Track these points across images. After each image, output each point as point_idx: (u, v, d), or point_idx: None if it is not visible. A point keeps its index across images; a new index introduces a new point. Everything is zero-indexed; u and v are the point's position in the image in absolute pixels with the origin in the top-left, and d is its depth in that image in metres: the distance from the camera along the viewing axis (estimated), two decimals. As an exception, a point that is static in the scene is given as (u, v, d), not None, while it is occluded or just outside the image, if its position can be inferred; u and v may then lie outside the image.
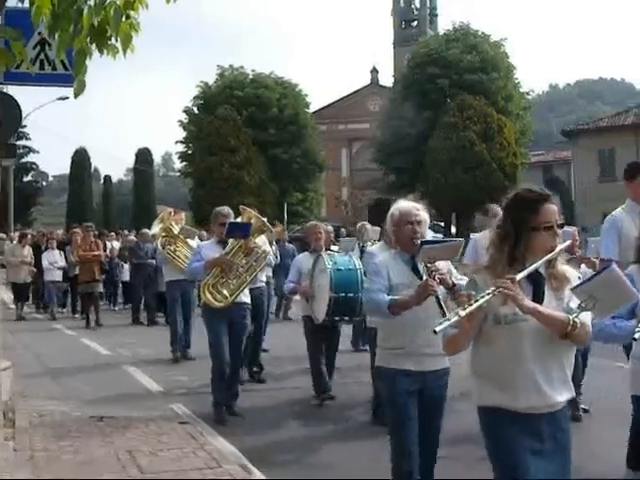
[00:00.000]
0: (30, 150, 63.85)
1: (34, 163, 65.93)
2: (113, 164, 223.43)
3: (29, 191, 62.40)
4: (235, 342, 8.85)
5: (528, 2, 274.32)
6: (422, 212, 5.66)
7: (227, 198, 44.91)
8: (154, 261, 18.08)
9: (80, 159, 71.78)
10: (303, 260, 10.14)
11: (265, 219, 9.47)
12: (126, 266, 21.69)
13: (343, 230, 36.42)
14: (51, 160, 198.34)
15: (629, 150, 48.88)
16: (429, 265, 5.09)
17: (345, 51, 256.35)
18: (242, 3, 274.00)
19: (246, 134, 48.14)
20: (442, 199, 46.16)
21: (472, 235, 9.59)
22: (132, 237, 23.32)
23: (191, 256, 9.66)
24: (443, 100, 47.69)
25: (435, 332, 3.73)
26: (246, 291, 9.03)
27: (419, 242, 5.28)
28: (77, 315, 20.45)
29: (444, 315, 4.47)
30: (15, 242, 22.22)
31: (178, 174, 65.31)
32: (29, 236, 22.17)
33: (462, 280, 5.10)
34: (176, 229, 13.52)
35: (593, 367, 8.64)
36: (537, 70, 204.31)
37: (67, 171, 75.24)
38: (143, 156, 74.57)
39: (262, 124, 49.58)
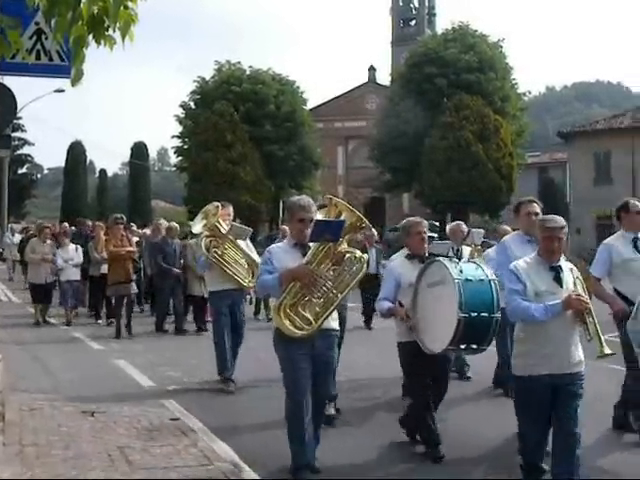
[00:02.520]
0: (25, 142, 63.84)
1: (29, 155, 65.99)
2: (109, 158, 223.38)
3: (23, 184, 62.40)
4: (321, 380, 6.67)
5: (527, 3, 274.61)
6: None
7: (223, 194, 45.19)
8: (182, 260, 16.76)
9: (75, 152, 71.74)
10: (402, 269, 7.57)
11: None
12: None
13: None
14: (46, 153, 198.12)
15: (625, 153, 48.93)
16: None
17: (343, 49, 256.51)
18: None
19: (242, 130, 48.10)
20: (438, 198, 46.17)
21: (503, 239, 8.72)
22: (147, 231, 20.64)
23: (260, 264, 6.90)
24: (440, 100, 47.63)
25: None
26: (334, 313, 6.68)
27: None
28: (100, 321, 17.63)
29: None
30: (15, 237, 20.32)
31: (174, 169, 65.29)
32: (47, 229, 18.97)
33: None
34: (224, 227, 10.69)
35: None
36: (534, 71, 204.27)
37: (62, 164, 75.19)
38: (139, 150, 74.57)
39: (259, 120, 49.51)
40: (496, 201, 46.17)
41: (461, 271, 6.80)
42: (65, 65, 7.14)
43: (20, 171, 64.39)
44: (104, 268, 16.86)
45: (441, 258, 7.23)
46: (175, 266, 16.56)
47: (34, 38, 7.18)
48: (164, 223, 17.88)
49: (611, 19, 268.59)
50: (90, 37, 4.23)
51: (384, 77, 75.07)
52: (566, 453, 5.89)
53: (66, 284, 17.54)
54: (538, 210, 7.79)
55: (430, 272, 7.08)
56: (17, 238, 30.46)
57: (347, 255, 6.49)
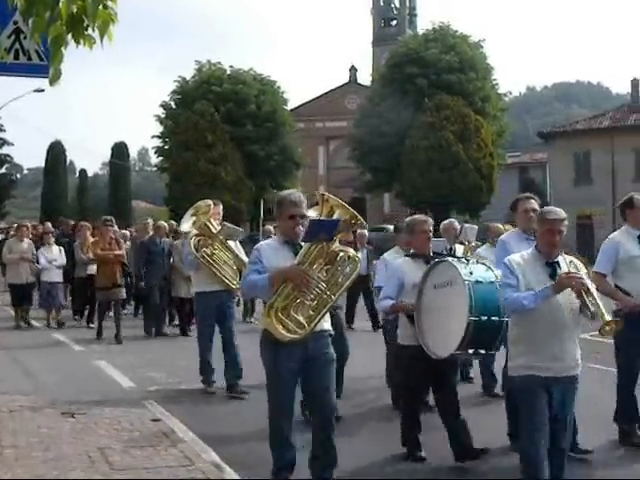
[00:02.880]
0: (4, 142, 63.37)
1: (8, 155, 65.43)
2: (89, 158, 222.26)
3: (3, 184, 61.97)
4: (323, 384, 6.21)
5: (507, 4, 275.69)
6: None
7: (203, 194, 45.05)
8: (171, 260, 16.19)
9: (55, 152, 71.40)
10: (406, 267, 7.29)
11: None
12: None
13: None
14: (26, 153, 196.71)
15: (604, 153, 49.24)
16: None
17: (324, 49, 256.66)
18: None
19: (223, 130, 48.05)
20: (418, 198, 46.26)
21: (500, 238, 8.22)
22: (127, 232, 20.43)
23: (248, 263, 6.46)
24: (421, 100, 47.74)
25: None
26: (327, 315, 6.30)
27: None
28: (92, 324, 16.59)
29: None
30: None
31: (154, 169, 65.04)
32: (24, 228, 18.27)
33: None
34: (215, 227, 10.29)
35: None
36: (515, 72, 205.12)
37: (42, 164, 74.81)
38: (119, 150, 74.28)
39: (239, 120, 49.45)
40: (476, 201, 46.37)
41: (471, 272, 6.55)
42: (44, 65, 7.09)
43: (-1, 171, 63.96)
44: (91, 269, 16.44)
45: (449, 258, 7.00)
46: (164, 266, 16.08)
47: (12, 37, 7.14)
48: (152, 222, 17.46)
49: (592, 20, 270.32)
50: (69, 37, 4.20)
51: (365, 77, 75.27)
52: (554, 469, 5.55)
53: (48, 285, 16.97)
54: (536, 206, 7.51)
55: (437, 272, 6.79)
56: None
57: (340, 254, 6.14)
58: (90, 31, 4.18)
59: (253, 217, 47.40)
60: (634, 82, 53.71)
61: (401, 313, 7.25)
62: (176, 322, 16.79)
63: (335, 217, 6.26)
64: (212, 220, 10.33)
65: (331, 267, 6.11)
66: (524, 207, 7.61)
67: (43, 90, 36.54)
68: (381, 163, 49.53)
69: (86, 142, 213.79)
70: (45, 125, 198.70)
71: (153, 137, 53.75)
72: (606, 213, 40.25)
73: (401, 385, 7.36)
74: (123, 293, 15.64)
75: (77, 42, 4.23)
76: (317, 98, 74.70)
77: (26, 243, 17.40)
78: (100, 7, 3.95)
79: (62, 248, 17.46)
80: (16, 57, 7.18)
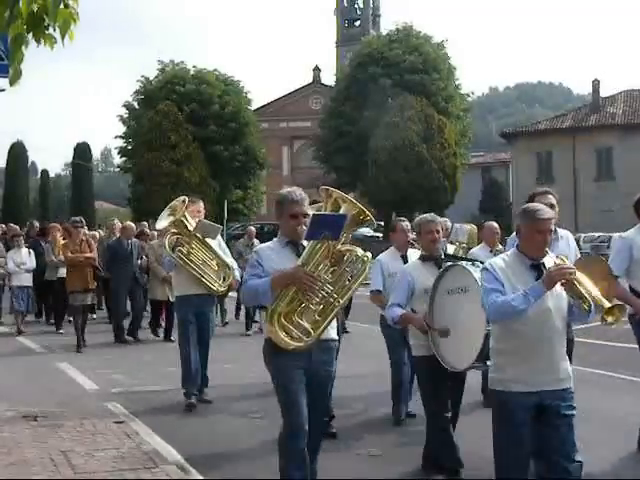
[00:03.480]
0: (-35, 143, 62.67)
1: (-32, 156, 64.72)
2: (51, 159, 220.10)
3: (-37, 184, 61.32)
4: (318, 397, 5.71)
5: (471, 5, 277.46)
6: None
7: (167, 194, 44.87)
8: (140, 261, 15.69)
9: (17, 153, 70.71)
10: (416, 272, 6.75)
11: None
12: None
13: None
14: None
15: (566, 153, 49.84)
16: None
17: (288, 49, 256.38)
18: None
19: (187, 130, 47.86)
20: (382, 198, 46.37)
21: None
22: (99, 231, 19.94)
23: (248, 267, 5.77)
24: (385, 100, 47.88)
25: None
26: (333, 321, 5.77)
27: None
28: (62, 331, 16.10)
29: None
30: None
31: (117, 170, 64.70)
32: None
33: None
34: (191, 224, 9.58)
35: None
36: (478, 72, 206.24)
37: (3, 165, 74.05)
38: (82, 151, 73.74)
39: (203, 120, 49.30)
40: (440, 200, 46.57)
41: None
42: (4, 64, 7.02)
43: (-41, 172, 63.30)
44: (62, 272, 15.63)
45: (463, 262, 6.47)
46: (131, 267, 15.46)
47: (-28, 37, 7.06)
48: (118, 224, 17.06)
49: (553, 21, 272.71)
50: (29, 36, 4.17)
51: (329, 77, 75.59)
52: None
53: (17, 290, 16.31)
54: (554, 202, 6.90)
55: (450, 277, 6.28)
56: None
57: (347, 254, 5.57)
58: (51, 30, 4.14)
59: (217, 217, 47.37)
60: (595, 83, 54.37)
61: (416, 325, 6.54)
62: (146, 326, 16.18)
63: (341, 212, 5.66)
64: (188, 217, 9.57)
65: (338, 268, 5.55)
66: (543, 203, 6.58)
67: (3, 90, 36.15)
68: (345, 163, 49.67)
69: (48, 143, 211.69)
70: (6, 125, 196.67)
71: (116, 137, 53.53)
72: (568, 212, 40.69)
73: (428, 396, 6.65)
74: (92, 298, 14.84)
75: (37, 41, 4.20)
76: (281, 98, 74.78)
77: None
78: (61, 6, 3.91)
79: (31, 251, 16.84)
80: (-25, 56, 7.11)
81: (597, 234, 39.11)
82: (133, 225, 16.53)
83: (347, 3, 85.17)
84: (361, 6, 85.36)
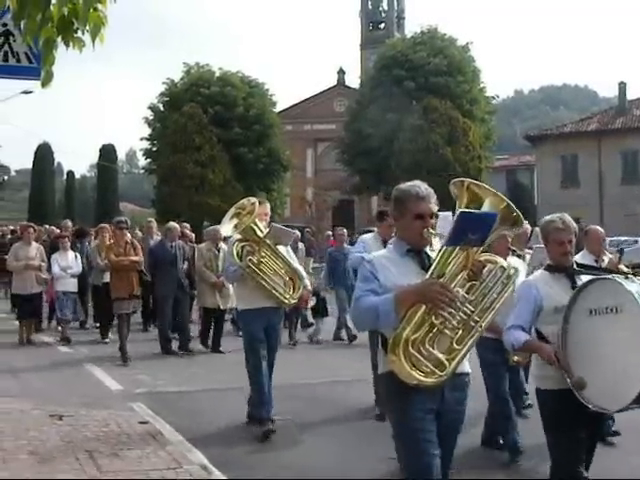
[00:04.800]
0: (-8, 144, 63.21)
1: (-5, 157, 65.31)
2: (76, 160, 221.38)
3: (-10, 185, 61.89)
4: (444, 446, 4.53)
5: (496, 7, 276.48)
6: None
7: (191, 196, 45.13)
8: (184, 265, 14.39)
9: (43, 154, 71.28)
10: (545, 285, 5.31)
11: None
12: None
13: (308, 230, 36.52)
14: (14, 154, 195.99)
15: (591, 156, 49.51)
16: None
17: (312, 52, 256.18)
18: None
19: (211, 132, 47.98)
20: (406, 201, 46.23)
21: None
22: (138, 232, 18.45)
23: (358, 282, 4.54)
24: (409, 103, 47.81)
25: None
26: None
27: None
28: (108, 340, 14.79)
29: None
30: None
31: (142, 171, 64.96)
32: (31, 229, 15.80)
33: None
34: (261, 229, 8.47)
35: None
36: (502, 75, 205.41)
37: (30, 166, 74.59)
38: (107, 152, 74.08)
39: (228, 123, 49.38)
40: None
41: None
42: (34, 67, 7.10)
43: (-14, 173, 63.88)
44: (107, 276, 14.34)
45: (612, 274, 5.21)
46: (176, 272, 14.16)
47: (1, 39, 7.14)
48: (155, 224, 16.49)
49: (579, 23, 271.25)
50: (59, 39, 4.22)
51: (353, 80, 75.40)
52: None
53: (62, 296, 15.10)
54: None
55: (594, 293, 5.01)
56: None
57: (489, 265, 4.49)
58: (80, 34, 4.20)
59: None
60: (621, 85, 54.00)
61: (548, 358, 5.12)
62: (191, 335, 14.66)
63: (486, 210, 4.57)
64: (258, 222, 8.46)
65: (476, 283, 4.43)
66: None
67: (31, 92, 36.41)
68: (369, 166, 49.60)
69: (74, 144, 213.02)
70: (33, 127, 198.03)
71: (141, 139, 53.71)
72: (593, 216, 40.48)
73: (557, 444, 5.19)
74: (137, 305, 13.74)
75: (67, 45, 4.25)
76: (305, 100, 74.73)
77: (34, 248, 15.15)
78: (90, 10, 3.96)
79: (77, 254, 15.57)
80: (5, 59, 7.18)
81: (623, 238, 38.86)
82: (177, 226, 15.13)
83: (371, 5, 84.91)
84: (385, 8, 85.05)
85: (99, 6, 4.13)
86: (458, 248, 4.33)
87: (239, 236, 8.45)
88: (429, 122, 46.12)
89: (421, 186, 4.68)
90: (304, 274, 8.94)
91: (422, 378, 4.22)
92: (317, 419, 8.96)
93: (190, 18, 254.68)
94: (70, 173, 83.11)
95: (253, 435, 8.06)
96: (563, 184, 49.80)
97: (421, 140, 45.65)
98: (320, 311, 15.16)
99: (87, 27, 3.98)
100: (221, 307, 13.91)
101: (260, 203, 8.64)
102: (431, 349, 4.26)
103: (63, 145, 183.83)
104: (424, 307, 4.23)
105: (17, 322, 15.01)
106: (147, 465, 6.73)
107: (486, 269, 4.46)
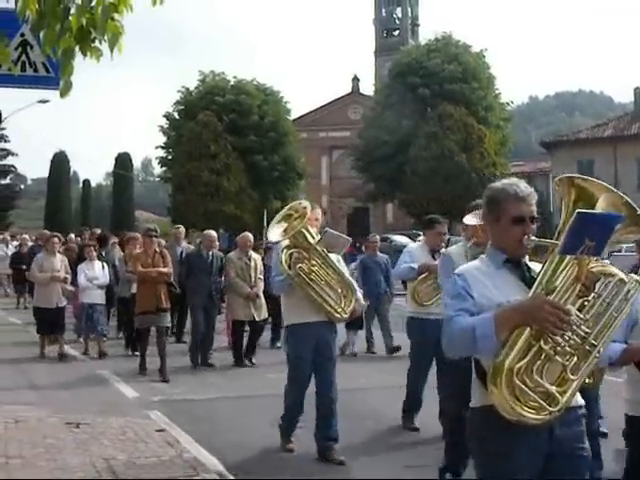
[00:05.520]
0: (9, 153, 63.62)
1: (12, 166, 65.67)
2: (92, 168, 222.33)
3: (7, 194, 62.18)
4: None
5: (510, 13, 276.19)
6: None
7: (206, 204, 45.21)
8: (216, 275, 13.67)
9: (59, 162, 71.57)
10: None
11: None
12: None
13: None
14: (30, 163, 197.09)
15: (607, 162, 49.32)
16: None
17: (327, 59, 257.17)
18: (226, 7, 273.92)
19: (226, 140, 48.12)
20: (421, 208, 46.25)
21: None
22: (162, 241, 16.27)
23: (447, 298, 3.86)
24: (424, 109, 47.83)
25: None
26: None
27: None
28: (137, 352, 13.36)
29: None
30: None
31: (157, 179, 65.15)
32: (56, 239, 14.73)
33: None
34: (313, 235, 7.62)
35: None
36: (517, 81, 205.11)
37: (46, 174, 74.97)
38: (123, 161, 74.35)
39: (243, 130, 49.52)
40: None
41: None
42: (51, 76, 7.15)
43: (3, 182, 64.17)
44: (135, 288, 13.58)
45: None
46: (212, 282, 13.50)
47: (19, 49, 7.19)
48: (183, 230, 16.09)
49: (594, 29, 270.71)
50: (76, 49, 4.25)
51: (368, 87, 75.59)
52: None
53: (89, 308, 14.21)
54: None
55: None
56: (10, 249, 26.94)
57: (603, 277, 3.75)
58: (97, 43, 4.23)
59: (256, 227, 47.53)
60: (637, 91, 53.81)
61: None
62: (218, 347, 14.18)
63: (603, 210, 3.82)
64: (309, 227, 7.62)
65: (591, 299, 3.69)
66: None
67: (48, 101, 36.64)
68: (384, 173, 49.62)
69: (90, 153, 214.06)
70: (49, 136, 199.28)
71: (157, 147, 53.92)
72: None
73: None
74: (168, 319, 12.77)
75: (84, 54, 4.28)
76: (320, 108, 74.87)
77: (58, 259, 14.27)
78: (108, 20, 3.99)
79: (104, 264, 14.72)
80: (22, 69, 7.22)
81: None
82: (214, 234, 14.28)
83: (386, 13, 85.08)
84: (400, 16, 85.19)
85: (116, 15, 4.16)
86: (571, 257, 3.63)
87: (288, 242, 7.60)
88: (444, 129, 46.12)
89: (520, 184, 3.92)
90: (356, 286, 8.03)
91: (529, 414, 3.48)
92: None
93: (206, 27, 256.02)
94: (86, 181, 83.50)
95: (270, 443, 8.05)
96: (579, 190, 49.64)
97: (436, 147, 45.66)
98: (354, 322, 12.93)
99: (105, 37, 4.01)
100: (256, 319, 13.30)
101: (312, 207, 7.76)
102: (539, 379, 3.52)
103: (79, 154, 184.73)
104: (529, 329, 3.51)
105: (37, 335, 14.25)
106: (164, 473, 6.74)
107: (599, 282, 3.72)
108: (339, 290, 7.63)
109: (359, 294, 7.94)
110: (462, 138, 46.00)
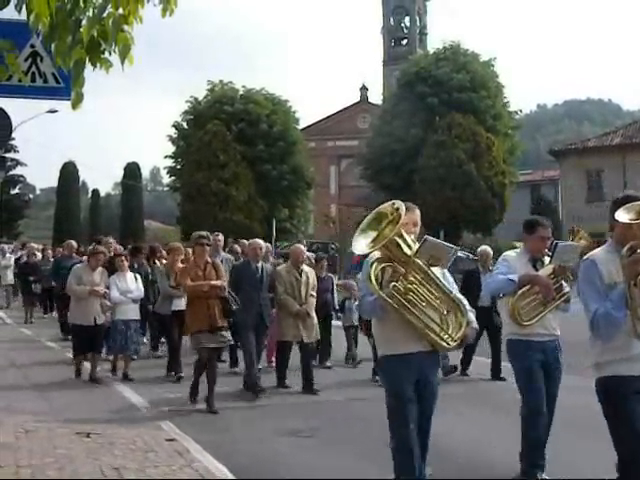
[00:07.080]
0: (18, 163, 63.80)
1: (21, 176, 65.90)
2: (101, 178, 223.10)
3: (16, 204, 62.33)
4: None
5: (518, 22, 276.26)
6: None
7: (215, 213, 45.26)
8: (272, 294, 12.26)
9: (68, 172, 71.77)
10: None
11: None
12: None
13: (332, 246, 36.54)
14: (39, 173, 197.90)
15: (616, 170, 49.23)
16: None
17: (335, 68, 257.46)
18: (234, 17, 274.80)
19: (235, 150, 48.19)
20: (430, 217, 46.22)
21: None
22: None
23: (602, 327, 4.66)
24: (432, 118, 47.83)
25: None
26: None
27: None
28: (183, 374, 12.47)
29: None
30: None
31: (166, 189, 65.29)
32: (102, 255, 13.27)
33: None
34: (409, 244, 5.94)
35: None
36: (526, 90, 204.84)
37: (55, 184, 75.23)
38: (132, 170, 74.55)
39: (251, 140, 49.56)
40: (488, 219, 46.33)
41: None
42: (61, 87, 7.19)
43: (12, 192, 64.32)
44: (177, 304, 12.89)
45: None
46: (259, 298, 11.92)
47: (29, 60, 7.23)
48: (222, 238, 14.92)
49: (602, 37, 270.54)
50: (86, 60, 4.28)
51: (376, 96, 75.56)
52: None
53: (122, 325, 12.88)
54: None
55: None
56: (11, 260, 25.76)
57: None
58: (107, 54, 4.25)
59: (265, 237, 47.54)
60: (645, 99, 53.71)
61: None
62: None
63: None
64: (405, 234, 6.00)
65: None
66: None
67: (56, 111, 36.87)
68: (393, 182, 49.58)
69: (98, 162, 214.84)
70: (58, 146, 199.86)
71: (165, 157, 54.01)
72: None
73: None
74: (227, 337, 10.82)
75: (94, 65, 4.31)
76: (328, 117, 75.01)
77: (98, 273, 12.88)
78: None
79: (138, 276, 13.54)
80: (32, 80, 7.26)
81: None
82: (263, 244, 12.79)
83: (394, 22, 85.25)
84: (408, 25, 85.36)
85: (125, 27, 4.18)
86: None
87: (379, 254, 5.93)
88: (453, 138, 46.13)
89: None
90: (468, 306, 6.32)
91: None
92: (340, 436, 8.93)
93: (214, 36, 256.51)
94: (95, 191, 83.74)
95: (280, 452, 8.04)
96: (588, 199, 49.54)
97: (445, 156, 45.66)
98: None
99: (115, 48, 4.03)
100: (305, 340, 11.97)
101: (407, 209, 6.18)
102: None
103: (88, 163, 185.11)
104: None
105: (71, 355, 13.37)
106: (174, 482, 6.74)
107: None
108: (444, 311, 6.09)
109: (472, 316, 6.32)
110: (471, 147, 45.99)
